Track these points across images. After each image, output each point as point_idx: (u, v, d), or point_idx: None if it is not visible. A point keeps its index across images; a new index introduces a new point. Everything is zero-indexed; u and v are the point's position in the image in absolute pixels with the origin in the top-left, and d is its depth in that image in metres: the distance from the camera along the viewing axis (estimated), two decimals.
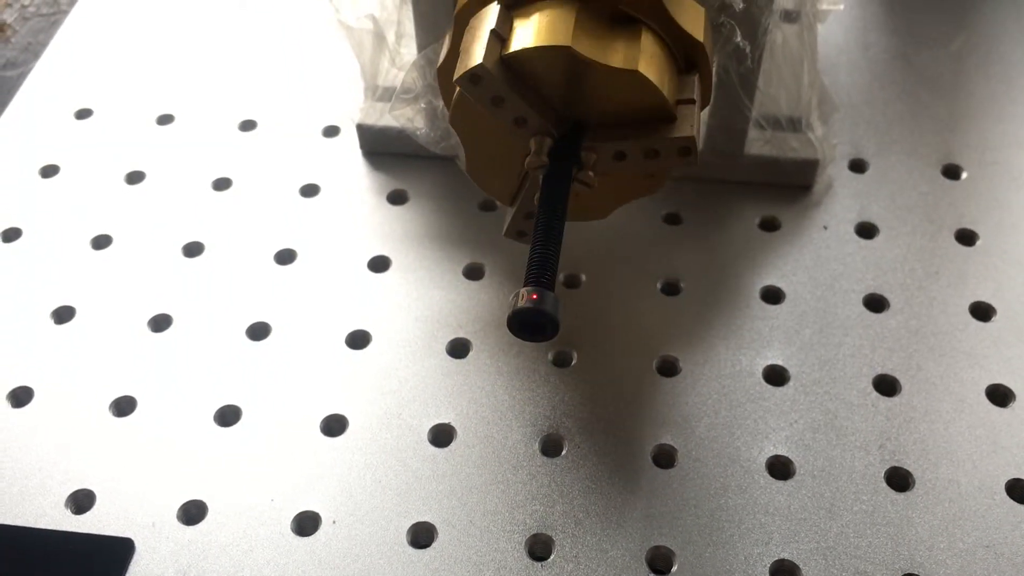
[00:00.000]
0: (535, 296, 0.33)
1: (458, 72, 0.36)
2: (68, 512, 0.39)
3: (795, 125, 0.49)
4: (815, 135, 0.49)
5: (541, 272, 0.33)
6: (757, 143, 0.49)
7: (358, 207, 0.50)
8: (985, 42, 0.57)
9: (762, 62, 0.45)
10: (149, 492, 0.39)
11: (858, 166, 0.51)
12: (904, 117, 0.54)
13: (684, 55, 0.38)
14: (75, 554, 0.38)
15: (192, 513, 0.39)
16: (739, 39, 0.41)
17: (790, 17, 0.47)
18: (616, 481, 0.39)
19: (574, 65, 0.36)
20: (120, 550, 0.38)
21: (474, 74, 0.36)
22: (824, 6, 0.47)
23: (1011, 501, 0.39)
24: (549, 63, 0.36)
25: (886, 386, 0.42)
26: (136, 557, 0.38)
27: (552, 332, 0.33)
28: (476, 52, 0.36)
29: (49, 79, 0.57)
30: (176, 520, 0.39)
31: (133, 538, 0.38)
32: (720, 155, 0.49)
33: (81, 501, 0.39)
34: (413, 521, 0.38)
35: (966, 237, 0.48)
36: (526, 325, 0.33)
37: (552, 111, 0.37)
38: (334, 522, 0.38)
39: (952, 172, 0.51)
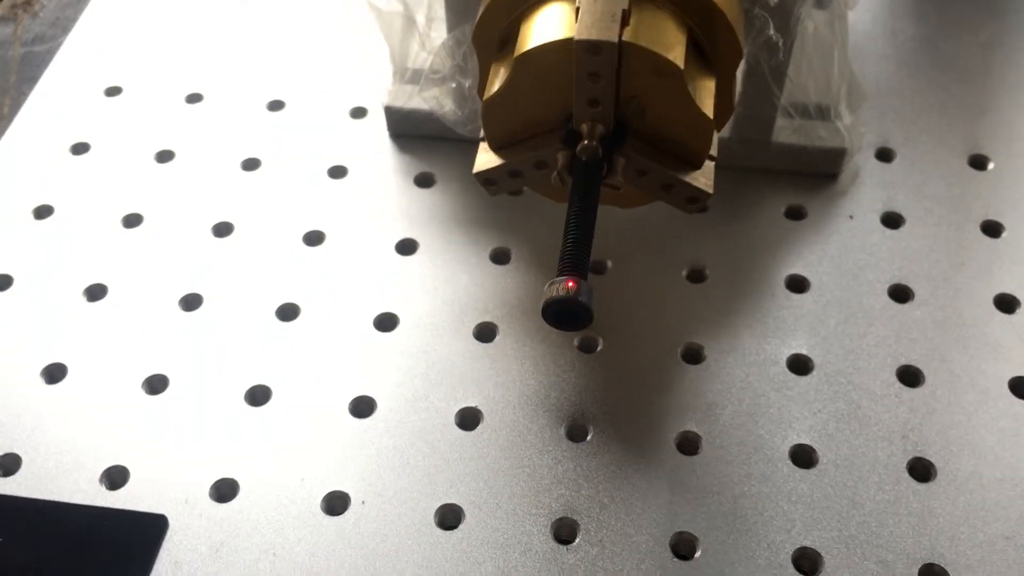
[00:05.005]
0: (571, 285, 0.33)
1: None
2: (102, 488, 0.40)
3: (823, 113, 0.49)
4: (843, 124, 0.49)
5: (576, 261, 0.34)
6: (785, 131, 0.49)
7: (385, 189, 0.50)
8: (1015, 32, 0.57)
9: (793, 51, 0.45)
10: (182, 469, 0.40)
11: (885, 155, 0.51)
12: (932, 106, 0.53)
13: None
14: (110, 529, 0.38)
15: (224, 491, 0.40)
16: (772, 32, 0.41)
17: (821, 4, 0.47)
18: (640, 467, 0.40)
19: (509, 100, 0.38)
20: (154, 526, 0.38)
21: (484, 180, 0.41)
22: None
23: None
24: (502, 118, 0.39)
25: (910, 377, 0.43)
26: (170, 533, 0.38)
27: (587, 322, 0.34)
28: (476, 161, 0.41)
29: (78, 55, 0.57)
30: (208, 497, 0.39)
31: (166, 514, 0.39)
32: (747, 143, 0.49)
33: (115, 477, 0.40)
34: (440, 503, 0.39)
35: (992, 228, 0.48)
36: (561, 315, 0.34)
37: (552, 131, 0.38)
38: (363, 502, 0.39)
39: (979, 163, 0.51)
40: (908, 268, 0.47)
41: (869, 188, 0.50)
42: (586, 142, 0.36)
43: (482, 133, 0.41)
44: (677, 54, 0.36)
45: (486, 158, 0.41)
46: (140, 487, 0.40)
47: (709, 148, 0.39)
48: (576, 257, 0.34)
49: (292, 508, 0.39)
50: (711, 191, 0.39)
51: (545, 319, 0.34)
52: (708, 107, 0.37)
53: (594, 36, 0.34)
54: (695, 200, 0.40)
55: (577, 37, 0.35)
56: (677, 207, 0.41)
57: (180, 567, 0.37)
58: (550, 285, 0.34)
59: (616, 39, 0.34)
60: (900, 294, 0.46)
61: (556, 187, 0.39)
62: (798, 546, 0.38)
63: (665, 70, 0.36)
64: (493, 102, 0.39)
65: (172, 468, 0.40)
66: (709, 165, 0.40)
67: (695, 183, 0.39)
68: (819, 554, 0.38)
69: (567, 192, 0.38)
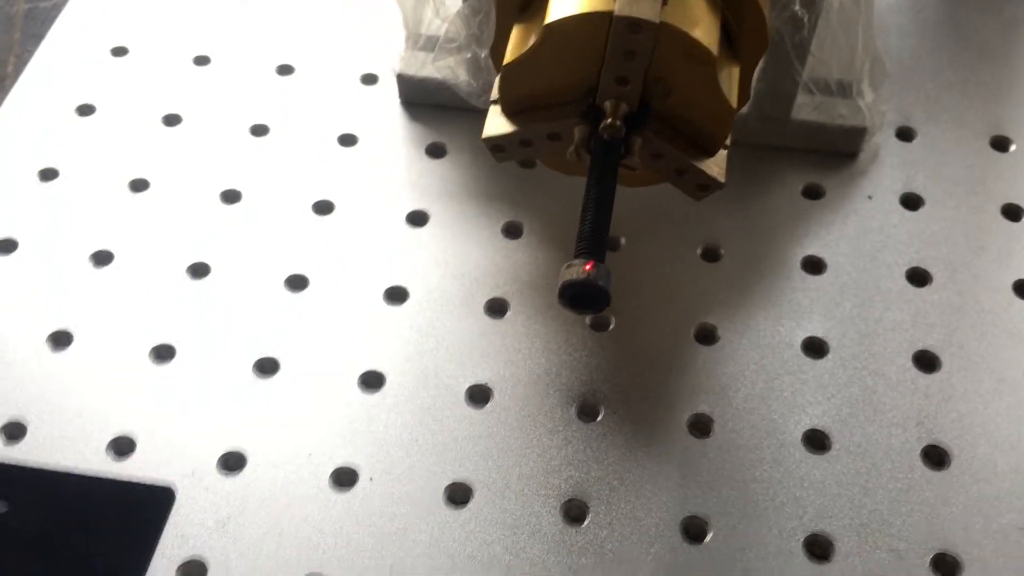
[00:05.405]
0: (589, 268, 0.32)
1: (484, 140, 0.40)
2: (109, 458, 0.39)
3: (845, 91, 0.48)
4: (865, 102, 0.48)
5: (593, 243, 0.33)
6: (805, 109, 0.48)
7: (396, 159, 0.50)
8: None
9: (817, 26, 0.44)
10: (189, 440, 0.40)
11: (905, 134, 0.50)
12: (954, 85, 0.52)
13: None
14: (117, 499, 0.38)
15: (231, 463, 0.39)
16: (797, 7, 0.40)
17: None
18: (651, 449, 0.40)
19: (531, 65, 0.37)
20: (161, 497, 0.38)
21: (493, 146, 0.39)
22: None
23: None
24: (520, 84, 0.38)
25: (926, 362, 0.42)
26: (176, 505, 0.38)
27: (604, 305, 0.33)
28: (486, 125, 0.39)
29: (85, 13, 0.56)
30: (216, 470, 0.39)
31: (173, 486, 0.38)
32: (767, 120, 0.48)
33: (122, 447, 0.40)
34: (450, 480, 0.39)
35: (1012, 212, 0.47)
36: (578, 297, 0.33)
37: (571, 103, 0.37)
38: (371, 479, 0.39)
39: (1001, 144, 0.50)
40: (926, 251, 0.46)
41: (888, 168, 0.49)
42: (610, 121, 0.35)
43: (493, 95, 0.40)
44: (712, 40, 0.35)
45: (497, 123, 0.40)
46: (147, 457, 0.39)
47: (727, 136, 0.38)
48: (594, 239, 0.33)
49: (300, 483, 0.39)
50: (723, 181, 0.39)
51: (561, 302, 0.34)
52: (732, 96, 0.37)
53: (635, 14, 0.34)
54: (705, 188, 0.39)
55: (618, 13, 0.34)
56: (686, 192, 0.40)
57: (186, 540, 0.37)
58: (567, 267, 0.33)
59: (658, 19, 0.33)
60: (918, 278, 0.45)
61: (570, 161, 0.38)
62: (810, 532, 0.37)
63: (698, 55, 0.35)
64: (513, 67, 0.37)
65: (179, 439, 0.40)
66: (722, 154, 0.39)
67: (708, 171, 0.39)
68: (831, 541, 0.37)
69: (579, 166, 0.37)
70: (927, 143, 0.50)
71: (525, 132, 0.39)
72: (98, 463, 0.39)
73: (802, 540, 0.37)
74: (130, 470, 0.39)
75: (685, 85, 0.36)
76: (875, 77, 0.48)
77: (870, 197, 0.48)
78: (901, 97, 0.52)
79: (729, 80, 0.37)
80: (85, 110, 0.52)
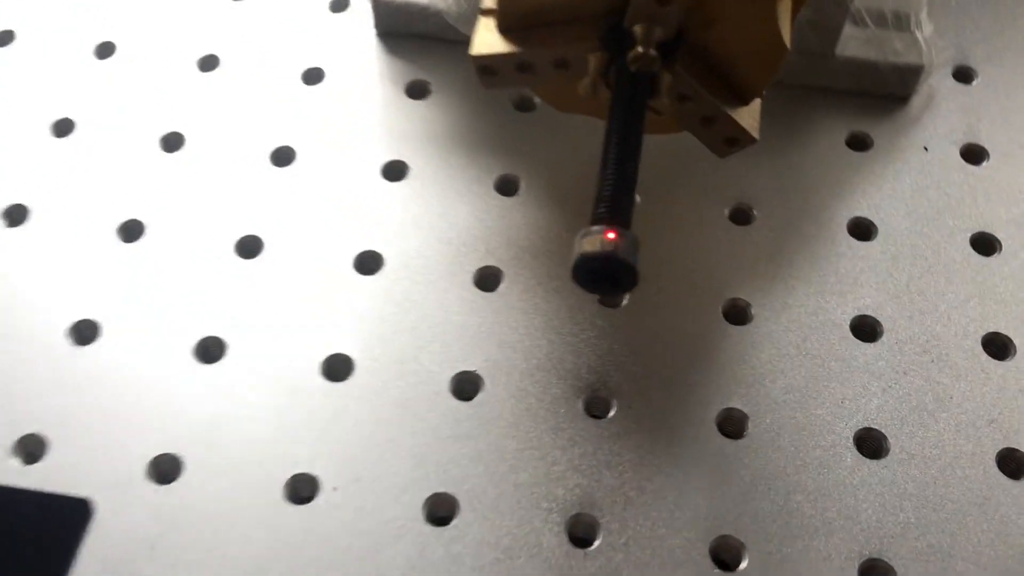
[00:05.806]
0: (612, 237, 0.25)
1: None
2: (15, 462, 0.33)
3: (901, 22, 0.41)
4: (923, 35, 0.41)
5: (617, 205, 0.26)
6: (853, 43, 0.41)
7: (370, 99, 0.43)
8: None
9: None
10: (114, 441, 0.33)
11: (964, 75, 0.43)
12: (1018, 18, 0.45)
13: None
14: (21, 515, 0.32)
15: (165, 469, 0.33)
16: None
17: None
18: (674, 452, 0.33)
19: None
20: (76, 512, 0.32)
21: (483, 68, 0.33)
22: None
23: None
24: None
25: (998, 347, 0.36)
26: (95, 521, 0.32)
27: (629, 285, 0.26)
28: (475, 40, 0.32)
29: None
30: (145, 477, 0.33)
31: (92, 497, 0.32)
32: (807, 56, 0.41)
33: (31, 449, 0.33)
34: (430, 492, 0.33)
35: None
36: (598, 274, 0.26)
37: (588, 23, 0.31)
38: (335, 489, 0.32)
39: None
40: (993, 213, 0.39)
41: (945, 114, 0.42)
42: (641, 49, 0.28)
43: (487, 3, 0.33)
44: None
45: (491, 40, 0.32)
46: (61, 462, 0.33)
47: (770, 81, 0.32)
48: (617, 200, 0.26)
49: (247, 494, 0.32)
50: (757, 136, 0.33)
51: (576, 279, 0.27)
52: (786, 32, 0.30)
53: None
54: (734, 142, 0.33)
55: None
56: (708, 146, 0.34)
57: (107, 564, 0.31)
58: (584, 235, 0.26)
59: None
60: (984, 245, 0.38)
61: (581, 95, 0.31)
62: (866, 558, 0.31)
63: None
64: None
65: (101, 439, 0.33)
66: (756, 103, 0.33)
67: (741, 122, 0.32)
68: (891, 568, 0.31)
69: (589, 103, 0.31)
70: (989, 86, 0.43)
71: (527, 55, 0.32)
72: (1, 469, 0.33)
73: (857, 566, 0.31)
74: (39, 478, 0.32)
75: (733, 15, 0.29)
76: (934, 5, 0.41)
77: (926, 149, 0.41)
78: (957, 32, 0.45)
79: (783, 14, 0.30)
80: (3, 38, 0.44)
